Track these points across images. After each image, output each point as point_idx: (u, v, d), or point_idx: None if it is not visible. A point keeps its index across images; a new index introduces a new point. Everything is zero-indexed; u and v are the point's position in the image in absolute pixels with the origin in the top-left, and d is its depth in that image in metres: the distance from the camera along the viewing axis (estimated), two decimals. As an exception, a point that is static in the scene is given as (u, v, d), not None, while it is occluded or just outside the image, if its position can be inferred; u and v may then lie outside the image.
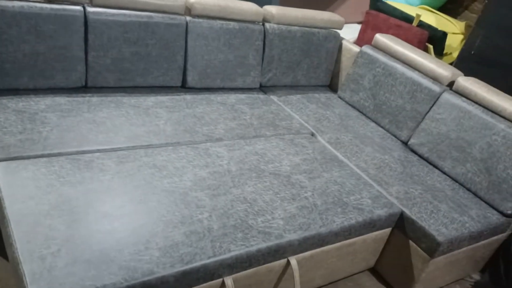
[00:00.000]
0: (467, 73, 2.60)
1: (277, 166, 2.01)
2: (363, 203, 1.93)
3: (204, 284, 1.47)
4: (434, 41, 3.30)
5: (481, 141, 2.25)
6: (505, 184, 2.14)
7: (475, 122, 2.29)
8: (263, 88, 2.83)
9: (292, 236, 1.64)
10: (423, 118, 2.52)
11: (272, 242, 1.58)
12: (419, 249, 1.96)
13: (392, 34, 3.23)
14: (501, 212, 2.16)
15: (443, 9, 4.21)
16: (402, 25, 3.31)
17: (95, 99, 2.13)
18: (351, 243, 1.90)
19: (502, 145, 2.18)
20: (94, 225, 1.43)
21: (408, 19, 3.39)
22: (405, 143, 2.60)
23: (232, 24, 2.48)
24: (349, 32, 3.77)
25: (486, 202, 2.21)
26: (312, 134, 2.45)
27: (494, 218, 2.11)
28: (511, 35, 2.89)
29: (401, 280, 2.08)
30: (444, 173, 2.37)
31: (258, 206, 1.72)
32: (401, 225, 2.01)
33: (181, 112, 2.24)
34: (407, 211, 1.99)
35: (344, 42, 3.06)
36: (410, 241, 1.99)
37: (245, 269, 1.56)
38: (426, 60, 2.60)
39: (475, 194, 2.25)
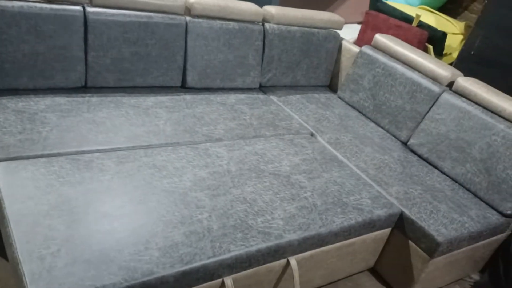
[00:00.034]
0: (466, 74, 2.60)
1: (276, 166, 2.01)
2: (362, 203, 1.93)
3: (204, 284, 1.47)
4: (434, 41, 3.30)
5: (480, 142, 2.25)
6: (504, 185, 2.14)
7: (475, 122, 2.29)
8: (262, 88, 2.83)
9: (292, 236, 1.64)
10: (423, 118, 2.52)
11: (271, 242, 1.58)
12: (418, 249, 1.96)
13: (392, 35, 3.23)
14: (500, 213, 2.16)
15: (443, 9, 4.21)
16: (402, 25, 3.31)
17: (94, 99, 2.13)
18: (350, 243, 1.90)
19: (502, 145, 2.18)
20: (94, 225, 1.43)
21: (408, 19, 3.39)
22: (404, 144, 2.60)
23: (231, 24, 2.48)
24: (349, 32, 3.77)
25: (485, 203, 2.21)
26: (312, 134, 2.45)
27: (494, 218, 2.11)
28: (510, 35, 2.89)
29: (401, 280, 2.08)
30: (444, 173, 2.37)
31: (257, 206, 1.72)
32: (400, 225, 2.01)
33: (180, 112, 2.24)
34: (406, 211, 1.99)
35: (344, 42, 3.06)
36: (410, 241, 1.99)
37: (245, 269, 1.56)
38: (425, 61, 2.60)
39: (474, 194, 2.25)
